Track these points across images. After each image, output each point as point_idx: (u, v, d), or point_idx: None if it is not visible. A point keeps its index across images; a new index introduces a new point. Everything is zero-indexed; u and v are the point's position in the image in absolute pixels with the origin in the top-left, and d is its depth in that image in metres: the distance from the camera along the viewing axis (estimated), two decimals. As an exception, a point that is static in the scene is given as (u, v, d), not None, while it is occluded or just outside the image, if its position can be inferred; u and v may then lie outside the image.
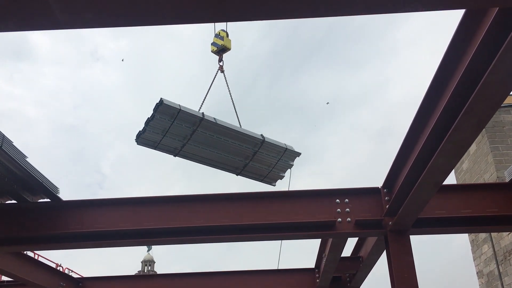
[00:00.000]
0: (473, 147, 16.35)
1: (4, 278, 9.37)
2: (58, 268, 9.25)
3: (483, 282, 15.32)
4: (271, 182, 12.07)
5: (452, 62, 3.37)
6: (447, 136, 3.59)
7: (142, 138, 10.36)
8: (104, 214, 5.75)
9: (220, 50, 11.94)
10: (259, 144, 11.10)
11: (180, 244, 6.08)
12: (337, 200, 5.70)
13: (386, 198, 5.49)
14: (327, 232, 5.67)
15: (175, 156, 10.94)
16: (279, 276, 9.90)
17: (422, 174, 4.25)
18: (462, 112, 3.31)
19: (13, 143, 4.71)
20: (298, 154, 11.85)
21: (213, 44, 11.97)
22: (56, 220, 5.69)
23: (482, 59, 2.99)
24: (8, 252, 7.14)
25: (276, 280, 9.77)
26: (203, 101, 11.76)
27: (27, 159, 4.99)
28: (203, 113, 10.42)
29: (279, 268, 10.17)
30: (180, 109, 10.11)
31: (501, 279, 14.08)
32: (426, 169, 4.14)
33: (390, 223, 5.39)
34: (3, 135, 4.53)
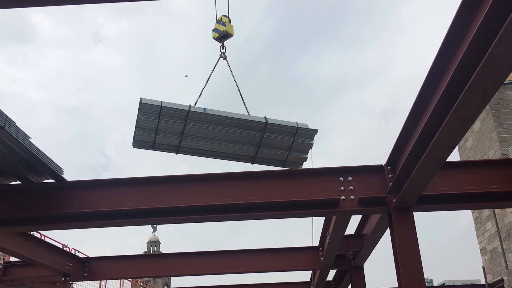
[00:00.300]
0: (477, 125, 16.28)
1: (12, 258, 9.48)
2: (64, 249, 9.34)
3: (486, 259, 15.40)
4: (295, 166, 11.11)
5: (457, 35, 3.32)
6: (451, 112, 3.57)
7: (136, 141, 10.07)
8: (109, 194, 5.77)
9: (222, 36, 11.43)
10: (263, 127, 10.48)
11: (184, 223, 6.11)
12: (341, 178, 5.70)
13: (390, 175, 5.48)
14: (331, 210, 5.68)
15: (176, 153, 10.46)
16: (283, 254, 9.97)
17: (426, 150, 4.24)
18: (466, 87, 3.27)
19: (16, 124, 4.71)
20: (315, 131, 10.86)
21: (214, 30, 11.48)
22: (60, 201, 5.72)
23: (487, 31, 2.95)
24: (13, 232, 7.21)
25: (281, 258, 9.85)
26: (201, 91, 11.13)
27: (30, 140, 5.00)
28: (190, 105, 9.96)
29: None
30: (161, 106, 9.71)
31: (504, 256, 14.14)
32: (430, 145, 4.12)
33: (394, 200, 5.39)
34: (6, 116, 4.53)
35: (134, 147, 10.11)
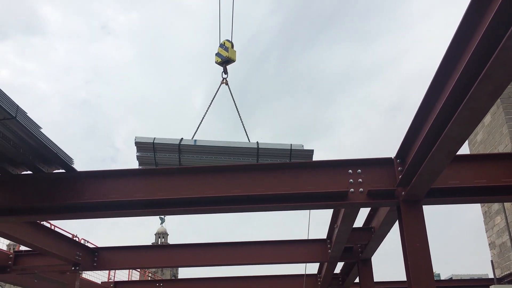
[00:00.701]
0: (487, 118, 16.14)
1: (22, 247, 9.58)
2: (74, 239, 9.41)
3: (495, 253, 15.33)
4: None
5: (470, 27, 3.29)
6: (463, 104, 3.54)
7: (140, 162, 10.38)
8: (118, 185, 5.81)
9: (225, 61, 11.52)
10: (256, 153, 10.52)
11: (192, 214, 6.13)
12: (350, 171, 5.68)
13: (399, 168, 5.46)
14: (340, 202, 5.67)
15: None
16: (291, 246, 10.00)
17: (437, 143, 4.21)
18: (479, 79, 3.24)
19: (27, 114, 4.75)
20: (311, 151, 10.93)
21: (217, 55, 11.56)
22: (71, 191, 5.77)
23: (501, 23, 2.92)
24: (24, 221, 7.28)
25: (288, 250, 9.88)
26: (200, 123, 11.04)
27: (41, 130, 5.03)
28: (181, 138, 10.15)
29: (307, 237, 10.17)
30: (153, 142, 10.00)
31: (513, 250, 14.07)
32: (441, 138, 4.09)
33: (403, 193, 5.38)
34: (17, 106, 4.56)
35: (139, 166, 10.43)
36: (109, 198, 5.71)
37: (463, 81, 3.46)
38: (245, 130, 10.99)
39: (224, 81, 11.51)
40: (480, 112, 3.63)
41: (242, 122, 11.31)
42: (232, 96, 11.48)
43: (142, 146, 9.90)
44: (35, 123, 4.92)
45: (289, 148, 10.54)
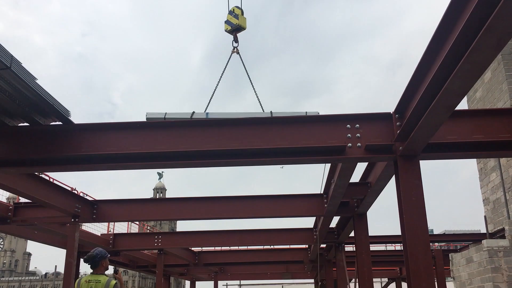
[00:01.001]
0: (487, 75, 16.01)
1: (22, 200, 9.68)
2: (73, 192, 9.49)
3: (488, 209, 15.57)
4: None
5: (475, -24, 3.19)
6: (465, 56, 3.48)
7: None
8: (116, 138, 5.79)
9: (235, 29, 10.95)
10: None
11: (190, 167, 6.15)
12: (348, 126, 5.67)
13: (398, 123, 5.45)
14: (337, 157, 5.69)
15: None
16: (288, 201, 10.11)
17: (436, 97, 4.18)
18: (482, 31, 3.17)
19: (22, 64, 4.66)
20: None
21: (227, 22, 10.95)
22: (68, 143, 5.75)
23: (508, -28, 2.82)
24: (22, 173, 7.31)
25: (286, 205, 10.00)
26: (212, 95, 10.66)
27: (37, 81, 4.96)
28: (193, 112, 9.91)
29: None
30: (165, 117, 9.85)
31: (507, 206, 14.29)
32: (441, 91, 4.06)
33: (401, 148, 5.39)
34: (11, 56, 4.47)
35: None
36: (106, 151, 5.70)
37: (466, 33, 3.39)
38: (258, 100, 10.66)
39: (235, 50, 11.05)
40: (482, 65, 3.58)
41: (255, 91, 10.95)
42: (244, 67, 11.01)
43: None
44: (30, 73, 4.84)
45: (305, 116, 10.48)
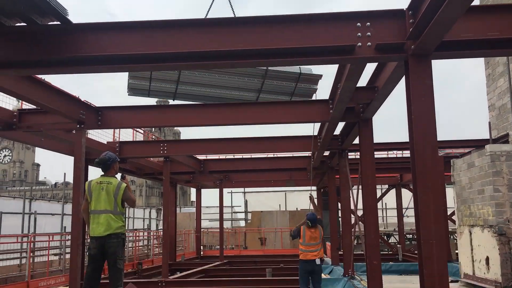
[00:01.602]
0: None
1: (26, 106, 9.64)
2: (77, 98, 9.40)
3: (493, 115, 15.52)
4: (305, 97, 10.73)
5: None
6: None
7: (131, 89, 9.90)
8: (117, 38, 5.58)
9: None
10: (263, 74, 10.01)
11: (193, 69, 6.02)
12: (358, 24, 5.43)
13: (411, 20, 5.21)
14: (346, 57, 5.51)
15: (174, 99, 10.32)
16: (293, 107, 10.07)
17: (455, -13, 3.92)
18: None
19: (13, -45, 4.36)
20: (319, 76, 10.50)
21: None
22: (68, 44, 5.57)
23: None
24: (20, 75, 7.17)
25: (292, 111, 9.95)
26: (211, 3, 10.37)
27: (30, -25, 4.67)
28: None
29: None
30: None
31: (512, 112, 14.20)
32: (461, -19, 3.80)
33: (413, 46, 5.18)
34: None
35: (129, 95, 10.13)
36: (107, 52, 5.53)
37: None
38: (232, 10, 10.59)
39: None
40: None
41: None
42: None
43: (138, 74, 9.60)
44: (22, -34, 4.54)
45: (298, 72, 10.29)
